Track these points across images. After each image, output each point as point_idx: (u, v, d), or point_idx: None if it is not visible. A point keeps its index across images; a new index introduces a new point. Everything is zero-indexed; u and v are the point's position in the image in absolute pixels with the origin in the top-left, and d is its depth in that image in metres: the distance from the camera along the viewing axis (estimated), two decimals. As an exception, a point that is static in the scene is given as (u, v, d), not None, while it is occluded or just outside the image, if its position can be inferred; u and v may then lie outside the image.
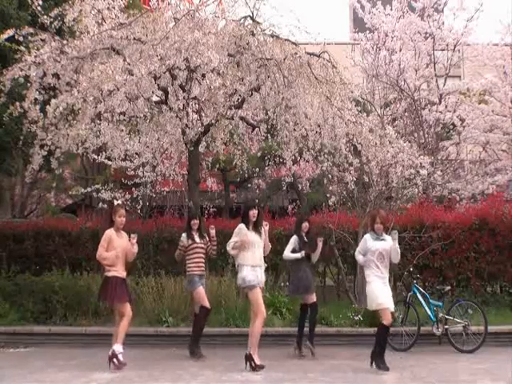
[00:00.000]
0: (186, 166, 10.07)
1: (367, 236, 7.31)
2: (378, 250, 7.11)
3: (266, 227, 7.39)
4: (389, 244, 7.16)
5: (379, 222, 7.22)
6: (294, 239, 8.22)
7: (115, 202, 7.63)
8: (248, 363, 6.97)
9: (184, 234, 8.20)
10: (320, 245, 8.14)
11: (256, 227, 7.31)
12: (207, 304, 7.94)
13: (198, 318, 8.01)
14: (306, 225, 8.34)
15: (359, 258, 7.33)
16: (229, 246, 7.25)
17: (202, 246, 8.18)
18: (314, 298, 8.16)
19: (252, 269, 7.11)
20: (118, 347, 7.09)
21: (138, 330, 9.09)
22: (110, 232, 7.30)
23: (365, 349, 8.10)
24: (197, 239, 8.16)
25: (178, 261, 8.36)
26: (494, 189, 14.70)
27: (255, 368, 6.90)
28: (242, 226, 7.28)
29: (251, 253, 7.15)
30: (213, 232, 8.26)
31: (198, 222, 8.26)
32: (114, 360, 7.05)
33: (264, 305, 7.24)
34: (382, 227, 7.23)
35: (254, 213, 7.29)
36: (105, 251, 7.20)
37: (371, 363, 7.13)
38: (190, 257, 8.08)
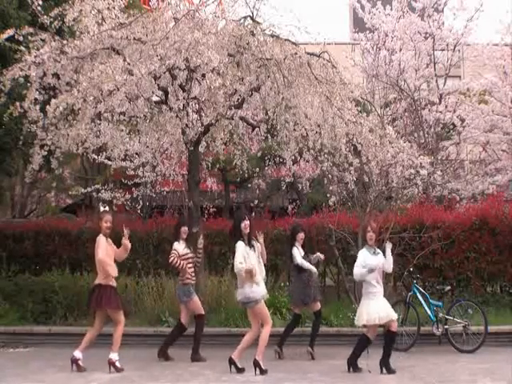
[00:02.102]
0: (186, 166, 10.07)
1: (364, 251, 7.17)
2: (378, 266, 7.07)
3: (260, 239, 7.16)
4: (382, 258, 7.16)
5: (370, 230, 7.17)
6: (296, 251, 8.07)
7: (101, 209, 7.56)
8: (257, 369, 6.91)
9: (177, 243, 7.92)
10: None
11: (249, 239, 7.06)
12: (202, 310, 7.96)
13: (200, 325, 7.95)
14: (302, 235, 8.21)
15: (362, 271, 6.97)
16: (237, 268, 6.86)
17: (192, 254, 8.06)
18: (318, 305, 8.17)
19: (256, 285, 6.93)
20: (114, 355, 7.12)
21: (138, 330, 9.09)
22: (103, 239, 7.24)
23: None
24: (187, 249, 8.01)
25: (179, 269, 7.88)
26: (494, 189, 14.68)
27: (262, 372, 6.89)
28: (240, 244, 6.95)
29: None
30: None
31: (187, 230, 8.06)
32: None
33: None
34: (374, 236, 7.18)
35: (246, 224, 7.02)
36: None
37: (381, 369, 7.05)
38: (185, 267, 7.89)
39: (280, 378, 6.79)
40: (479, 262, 10.43)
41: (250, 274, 6.82)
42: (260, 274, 7.03)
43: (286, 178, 11.25)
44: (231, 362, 7.00)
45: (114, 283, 7.26)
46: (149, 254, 11.28)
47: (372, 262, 6.99)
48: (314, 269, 8.06)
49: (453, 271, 10.52)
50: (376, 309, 6.95)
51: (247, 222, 7.05)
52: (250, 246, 7.05)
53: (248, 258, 6.93)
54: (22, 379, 6.81)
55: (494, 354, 8.14)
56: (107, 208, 7.72)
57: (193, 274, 7.98)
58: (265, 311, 7.07)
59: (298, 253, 8.07)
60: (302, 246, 8.23)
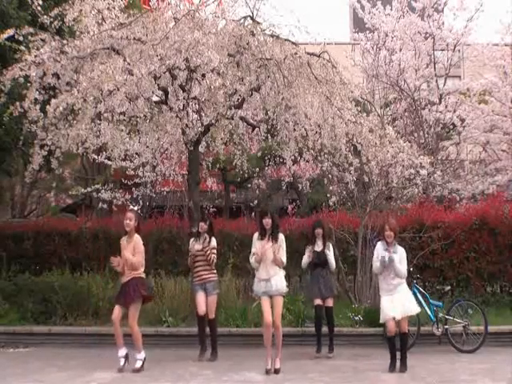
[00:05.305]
0: (186, 166, 10.07)
1: (379, 245, 7.30)
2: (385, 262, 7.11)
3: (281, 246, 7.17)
4: (397, 257, 7.15)
5: (388, 229, 7.19)
6: (307, 250, 8.19)
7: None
8: None
9: (192, 240, 8.00)
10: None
11: (273, 236, 7.08)
12: (200, 311, 7.78)
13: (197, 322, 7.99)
14: (318, 231, 8.27)
15: (376, 264, 7.21)
16: (251, 259, 7.15)
17: (202, 252, 7.84)
18: (330, 302, 8.17)
19: (258, 281, 7.10)
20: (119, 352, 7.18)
21: (138, 330, 9.08)
22: (122, 240, 7.34)
23: (365, 349, 8.12)
24: (196, 246, 7.89)
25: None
26: (494, 189, 14.68)
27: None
28: (256, 234, 7.23)
29: (261, 265, 7.04)
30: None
31: (205, 225, 7.94)
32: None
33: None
34: (392, 235, 7.20)
35: (267, 221, 7.08)
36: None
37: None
38: (192, 265, 7.96)
39: (280, 378, 6.79)
40: (479, 262, 10.44)
41: (258, 257, 7.02)
42: (268, 274, 7.03)
43: (286, 177, 11.25)
44: None
45: (123, 279, 7.26)
46: (149, 254, 11.26)
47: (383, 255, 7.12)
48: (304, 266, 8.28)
49: (453, 271, 10.52)
50: (383, 306, 7.10)
51: (269, 220, 7.07)
52: (269, 238, 7.06)
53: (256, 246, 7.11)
54: (22, 379, 6.80)
55: (493, 353, 8.13)
56: (132, 206, 7.70)
57: (199, 274, 7.84)
58: (263, 310, 7.00)
59: (306, 255, 8.17)
60: (323, 237, 8.28)
